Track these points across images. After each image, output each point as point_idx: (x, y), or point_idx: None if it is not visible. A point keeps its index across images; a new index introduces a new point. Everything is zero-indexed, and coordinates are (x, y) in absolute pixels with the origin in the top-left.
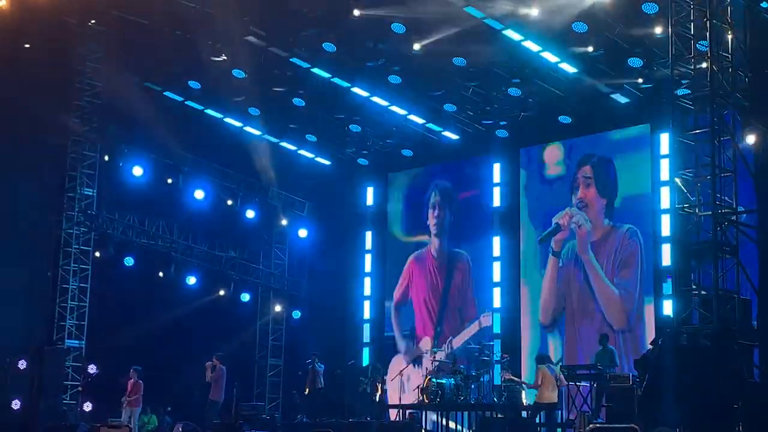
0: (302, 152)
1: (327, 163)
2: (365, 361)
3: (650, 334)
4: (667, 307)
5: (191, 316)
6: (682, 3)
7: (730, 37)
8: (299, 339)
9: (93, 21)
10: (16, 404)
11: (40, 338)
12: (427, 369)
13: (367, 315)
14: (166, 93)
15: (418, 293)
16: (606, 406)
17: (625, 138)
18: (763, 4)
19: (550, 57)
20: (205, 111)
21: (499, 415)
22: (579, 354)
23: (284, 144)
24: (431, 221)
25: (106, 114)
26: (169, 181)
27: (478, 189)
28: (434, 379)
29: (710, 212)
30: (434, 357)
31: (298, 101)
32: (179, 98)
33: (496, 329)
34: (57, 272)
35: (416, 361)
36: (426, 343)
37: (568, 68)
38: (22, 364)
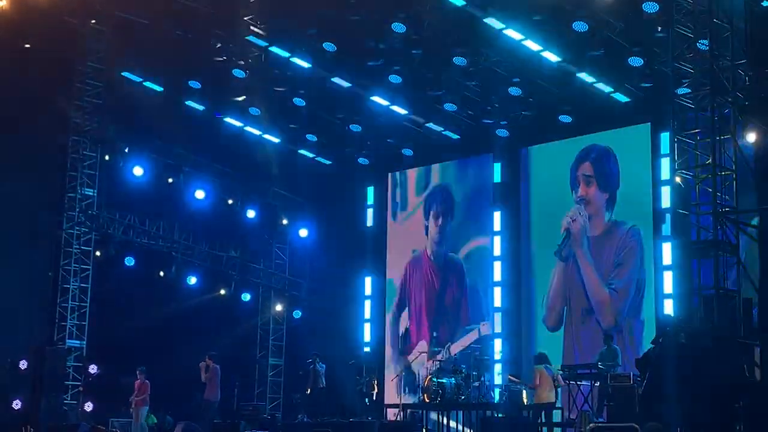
0: (302, 152)
1: (327, 162)
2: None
3: (648, 334)
4: (668, 306)
5: (192, 315)
6: (683, 2)
7: (730, 35)
8: (300, 339)
9: (93, 21)
10: (17, 404)
11: (40, 338)
12: (427, 369)
13: (368, 315)
14: (167, 93)
15: (415, 296)
16: (607, 405)
17: (625, 137)
18: (764, 3)
19: (551, 56)
20: (205, 110)
21: (500, 415)
22: (576, 354)
23: (284, 144)
24: (432, 227)
25: (107, 114)
26: (170, 180)
27: (478, 188)
28: (435, 379)
29: (711, 211)
30: (435, 358)
31: (298, 101)
32: (180, 98)
33: (497, 329)
34: (58, 272)
35: (407, 369)
36: (422, 347)
37: (569, 67)
38: (23, 364)
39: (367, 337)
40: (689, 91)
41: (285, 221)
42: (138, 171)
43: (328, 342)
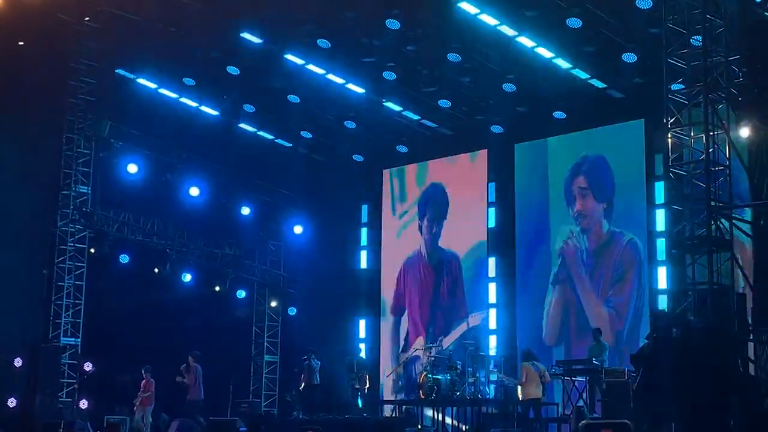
0: (297, 148)
1: (322, 159)
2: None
3: None
4: (663, 302)
5: (187, 312)
6: None
7: (723, 31)
8: (295, 335)
9: (87, 18)
10: (12, 402)
11: (35, 336)
12: (422, 365)
13: (362, 311)
14: (161, 90)
15: (411, 297)
16: (601, 400)
17: (619, 133)
18: None
19: (545, 52)
20: (200, 108)
21: (495, 411)
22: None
23: (279, 141)
24: (425, 225)
25: (101, 111)
26: (164, 178)
27: (472, 184)
28: (430, 375)
29: (704, 207)
30: (429, 353)
31: (293, 98)
32: (174, 95)
33: (491, 325)
34: (52, 270)
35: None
36: (419, 343)
37: (563, 64)
38: (18, 362)
39: (362, 333)
40: (683, 87)
41: (280, 218)
42: (132, 168)
43: (323, 339)
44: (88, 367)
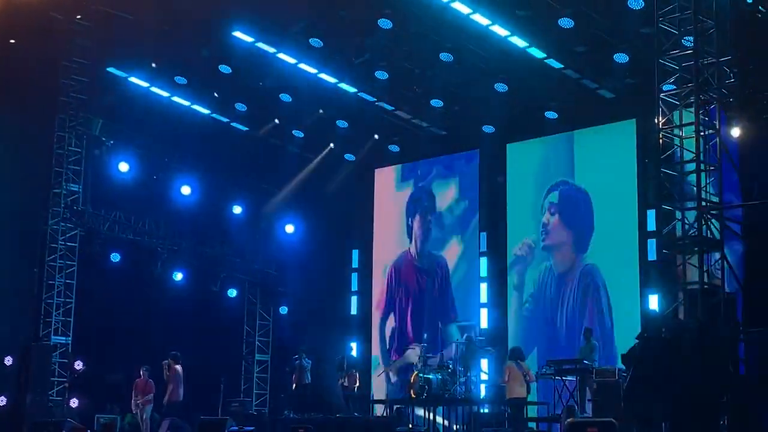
0: (289, 147)
1: (313, 158)
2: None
3: None
4: (653, 302)
5: (178, 312)
6: None
7: (715, 32)
8: (286, 335)
9: (79, 17)
10: (2, 401)
11: (26, 335)
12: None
13: (354, 311)
14: (153, 88)
15: (400, 299)
16: (592, 400)
17: (610, 132)
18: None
19: (537, 53)
20: (192, 106)
21: (486, 410)
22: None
23: (271, 139)
24: (416, 228)
25: (93, 110)
26: (156, 176)
27: (463, 184)
28: (421, 374)
29: (695, 207)
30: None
31: (284, 97)
32: (166, 93)
33: (484, 325)
34: (43, 268)
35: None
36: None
37: (555, 64)
38: (8, 361)
39: (354, 332)
40: (674, 87)
41: (271, 217)
42: (123, 167)
43: (314, 338)
44: (78, 365)
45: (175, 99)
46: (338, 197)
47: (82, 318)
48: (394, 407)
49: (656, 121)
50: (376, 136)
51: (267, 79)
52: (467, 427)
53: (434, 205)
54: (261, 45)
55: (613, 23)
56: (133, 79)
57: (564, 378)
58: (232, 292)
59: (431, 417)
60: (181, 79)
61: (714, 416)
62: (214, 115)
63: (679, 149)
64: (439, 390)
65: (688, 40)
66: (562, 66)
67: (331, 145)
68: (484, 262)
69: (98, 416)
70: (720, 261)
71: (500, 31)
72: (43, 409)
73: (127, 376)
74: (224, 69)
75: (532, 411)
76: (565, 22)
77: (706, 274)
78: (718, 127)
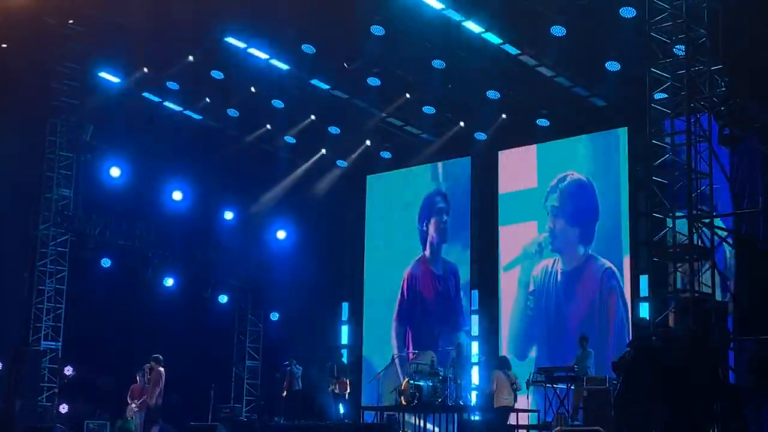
0: (280, 153)
1: (305, 164)
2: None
3: None
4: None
5: (169, 317)
6: (660, 7)
7: (706, 41)
8: (277, 340)
9: (71, 21)
10: None
11: (16, 340)
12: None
13: (345, 317)
14: (145, 94)
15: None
16: (582, 408)
17: (602, 141)
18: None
19: (529, 60)
20: (184, 112)
21: (477, 418)
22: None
23: (263, 145)
24: (431, 231)
25: (84, 114)
26: (147, 182)
27: (455, 191)
28: (412, 381)
29: (686, 216)
30: (414, 357)
31: (277, 103)
32: (157, 99)
33: (474, 332)
34: (33, 273)
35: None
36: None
37: (546, 71)
38: None
39: (344, 339)
40: (666, 96)
41: (263, 222)
42: (115, 172)
43: (305, 344)
44: (68, 371)
45: (167, 104)
46: (330, 203)
47: (72, 323)
48: (385, 414)
49: (648, 129)
50: (368, 143)
51: (259, 85)
52: None
53: (449, 207)
54: (253, 51)
55: (605, 31)
56: (125, 85)
57: (555, 386)
58: (223, 298)
59: (422, 424)
60: (173, 85)
61: (704, 425)
62: (206, 120)
63: (670, 158)
64: (430, 397)
65: (680, 49)
66: (554, 74)
67: (323, 151)
68: (475, 269)
69: (88, 422)
70: (710, 269)
71: (493, 38)
72: (33, 414)
73: (117, 381)
74: (216, 74)
75: (522, 419)
76: (558, 30)
77: (696, 283)
78: (709, 135)
